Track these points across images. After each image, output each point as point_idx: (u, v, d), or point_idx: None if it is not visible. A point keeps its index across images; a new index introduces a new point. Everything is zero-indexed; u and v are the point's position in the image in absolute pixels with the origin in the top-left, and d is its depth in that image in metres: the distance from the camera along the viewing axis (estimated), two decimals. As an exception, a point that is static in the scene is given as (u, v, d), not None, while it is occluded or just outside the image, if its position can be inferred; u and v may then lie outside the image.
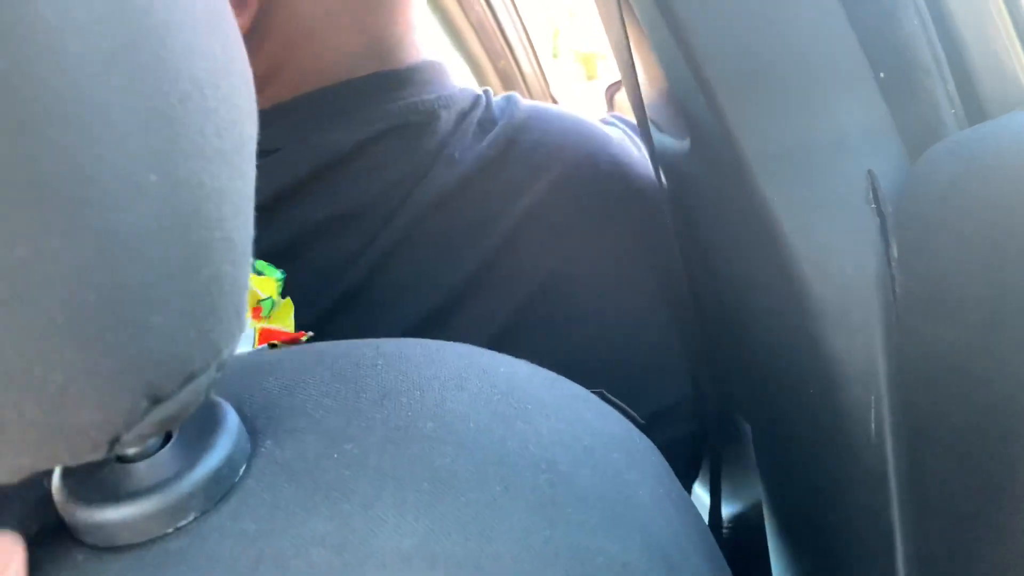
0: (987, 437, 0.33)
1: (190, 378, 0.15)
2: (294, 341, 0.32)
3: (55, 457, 0.15)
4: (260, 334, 0.33)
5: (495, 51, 1.18)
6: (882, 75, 0.33)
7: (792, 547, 0.52)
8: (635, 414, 0.33)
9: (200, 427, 0.22)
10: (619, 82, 1.36)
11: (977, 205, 0.32)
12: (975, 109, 0.34)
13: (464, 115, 0.48)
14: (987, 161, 0.32)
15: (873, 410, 0.37)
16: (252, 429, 0.23)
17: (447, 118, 0.48)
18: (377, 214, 0.45)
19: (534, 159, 0.47)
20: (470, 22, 1.11)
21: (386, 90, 0.48)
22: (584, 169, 0.48)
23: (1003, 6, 0.33)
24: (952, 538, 0.35)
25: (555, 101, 1.37)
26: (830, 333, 0.36)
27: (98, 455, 0.15)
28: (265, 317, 0.32)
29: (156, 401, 0.15)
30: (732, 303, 0.45)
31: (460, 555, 0.21)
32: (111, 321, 0.14)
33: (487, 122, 0.49)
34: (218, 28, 0.17)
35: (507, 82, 1.24)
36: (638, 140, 0.55)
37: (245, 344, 0.30)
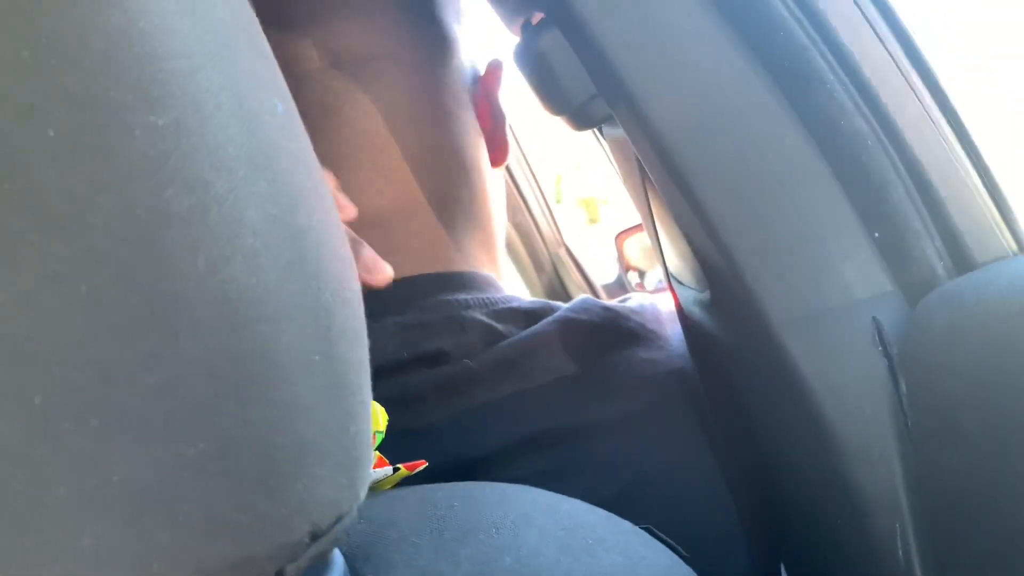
0: (1005, 558, 0.36)
1: (340, 518, 0.19)
2: (414, 468, 0.35)
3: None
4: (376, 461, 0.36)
5: (511, 206, 1.26)
6: (877, 235, 0.38)
7: None
8: (680, 549, 0.36)
9: (313, 566, 0.25)
10: (628, 230, 1.44)
11: (971, 345, 0.36)
12: (961, 261, 0.39)
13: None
14: (977, 306, 0.37)
15: (899, 538, 0.39)
16: (352, 567, 0.26)
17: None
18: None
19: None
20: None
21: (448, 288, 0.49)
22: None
23: (975, 174, 0.39)
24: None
25: (568, 249, 1.44)
26: (853, 467, 0.39)
27: (268, 585, 0.19)
28: (376, 449, 0.35)
29: (315, 538, 0.18)
30: (757, 448, 0.48)
31: None
32: (292, 472, 0.18)
33: None
34: (340, 231, 0.22)
35: (523, 234, 1.32)
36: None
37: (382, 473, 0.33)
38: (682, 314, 0.51)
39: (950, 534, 0.38)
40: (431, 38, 0.49)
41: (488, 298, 0.49)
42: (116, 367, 0.16)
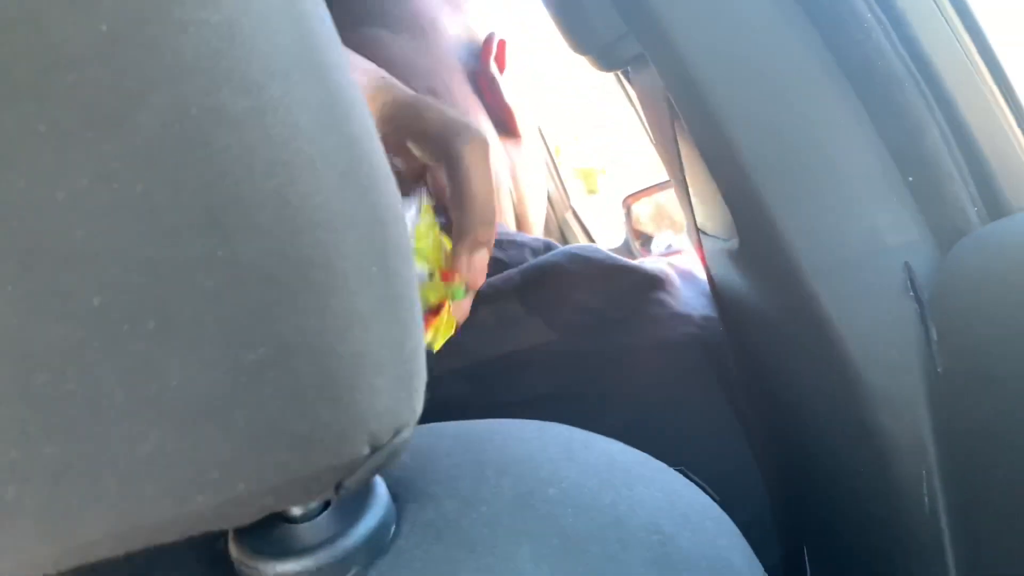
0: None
1: (398, 431, 0.19)
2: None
3: (292, 498, 0.18)
4: None
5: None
6: (911, 179, 0.37)
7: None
8: (712, 492, 0.36)
9: (357, 495, 0.25)
10: (637, 193, 1.43)
11: (1004, 291, 0.36)
12: (994, 206, 0.38)
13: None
14: (1010, 252, 0.36)
15: (925, 484, 0.39)
16: (395, 495, 0.26)
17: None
18: None
19: None
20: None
21: None
22: None
23: (1011, 117, 0.38)
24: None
25: (575, 212, 1.44)
26: (880, 414, 0.39)
27: (326, 496, 0.18)
28: None
29: (375, 450, 0.18)
30: (783, 396, 0.48)
31: (589, 603, 0.23)
32: (350, 382, 0.17)
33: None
34: (380, 147, 0.22)
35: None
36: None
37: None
38: (707, 265, 0.50)
39: (977, 481, 0.38)
40: (412, 18, 0.54)
41: None
42: (172, 269, 0.16)
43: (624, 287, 0.50)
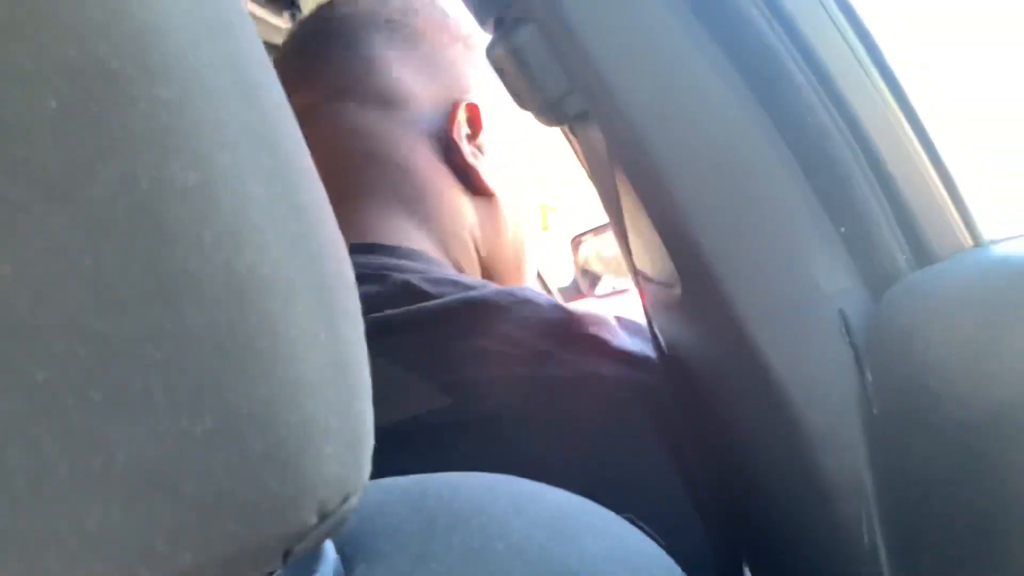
0: (968, 542, 0.37)
1: (347, 498, 0.19)
2: None
3: (239, 569, 0.18)
4: None
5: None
6: (843, 229, 0.39)
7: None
8: (658, 538, 0.36)
9: (304, 557, 0.24)
10: (584, 233, 1.45)
11: (933, 337, 0.38)
12: (922, 254, 0.40)
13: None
14: (938, 299, 0.38)
15: (864, 523, 0.41)
16: (343, 555, 0.26)
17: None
18: None
19: None
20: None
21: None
22: None
23: (932, 170, 0.40)
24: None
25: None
26: (820, 453, 0.40)
27: (274, 567, 0.18)
28: None
29: (323, 518, 0.18)
30: (727, 439, 0.49)
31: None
32: (299, 450, 0.17)
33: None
34: (331, 212, 0.22)
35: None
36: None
37: None
38: (648, 309, 0.51)
39: (913, 519, 0.39)
40: (385, 90, 0.59)
41: (427, 268, 0.54)
42: (120, 342, 0.16)
43: (556, 323, 0.51)
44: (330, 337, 0.19)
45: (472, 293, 0.50)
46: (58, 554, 0.16)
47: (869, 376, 0.39)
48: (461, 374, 0.47)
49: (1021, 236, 0.41)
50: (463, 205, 0.61)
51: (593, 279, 1.47)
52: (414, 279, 0.51)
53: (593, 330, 0.52)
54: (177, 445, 0.16)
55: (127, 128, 0.16)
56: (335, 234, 0.21)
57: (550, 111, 0.41)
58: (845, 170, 0.39)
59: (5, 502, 0.16)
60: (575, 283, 1.54)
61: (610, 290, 1.45)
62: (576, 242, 1.47)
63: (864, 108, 0.39)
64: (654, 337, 0.51)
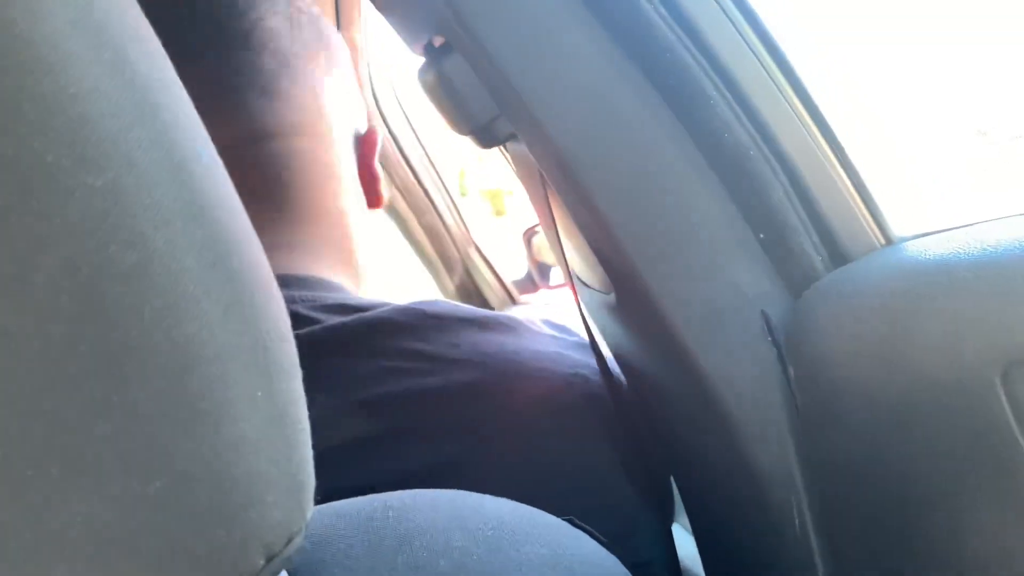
0: (887, 524, 0.40)
1: (290, 539, 0.20)
2: None
3: (195, 611, 0.20)
4: None
5: (419, 208, 1.27)
6: (761, 236, 0.41)
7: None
8: (600, 536, 0.38)
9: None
10: (535, 226, 1.47)
11: (848, 333, 0.40)
12: (836, 255, 0.43)
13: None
14: (852, 297, 0.41)
15: (795, 510, 0.43)
16: (299, 579, 0.27)
17: None
18: None
19: None
20: (395, 185, 1.20)
21: None
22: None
23: (844, 176, 0.43)
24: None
25: (478, 248, 1.47)
26: (751, 446, 0.43)
27: (226, 606, 0.20)
28: None
29: (270, 559, 0.20)
30: (665, 434, 0.51)
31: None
32: (244, 502, 0.19)
33: None
34: (268, 270, 0.24)
35: (432, 234, 1.34)
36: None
37: None
38: (583, 312, 0.54)
39: (838, 504, 0.42)
40: (313, 123, 0.59)
41: (319, 295, 0.53)
42: (71, 417, 0.18)
43: (462, 330, 0.51)
44: (267, 393, 0.20)
45: (371, 314, 0.50)
46: None
47: (792, 372, 0.42)
48: (359, 394, 0.48)
49: (930, 234, 0.44)
50: (360, 221, 0.63)
51: (546, 271, 1.49)
52: (302, 308, 0.51)
53: (497, 334, 0.52)
54: (131, 507, 0.18)
55: (65, 217, 0.18)
56: (270, 290, 0.23)
57: (482, 134, 0.43)
58: (761, 180, 0.41)
59: None
60: (528, 275, 1.56)
61: (560, 282, 1.47)
62: (529, 234, 1.49)
63: (778, 122, 0.42)
64: (592, 339, 0.53)
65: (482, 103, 0.41)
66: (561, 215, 0.47)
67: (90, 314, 0.18)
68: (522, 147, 0.44)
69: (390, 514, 0.31)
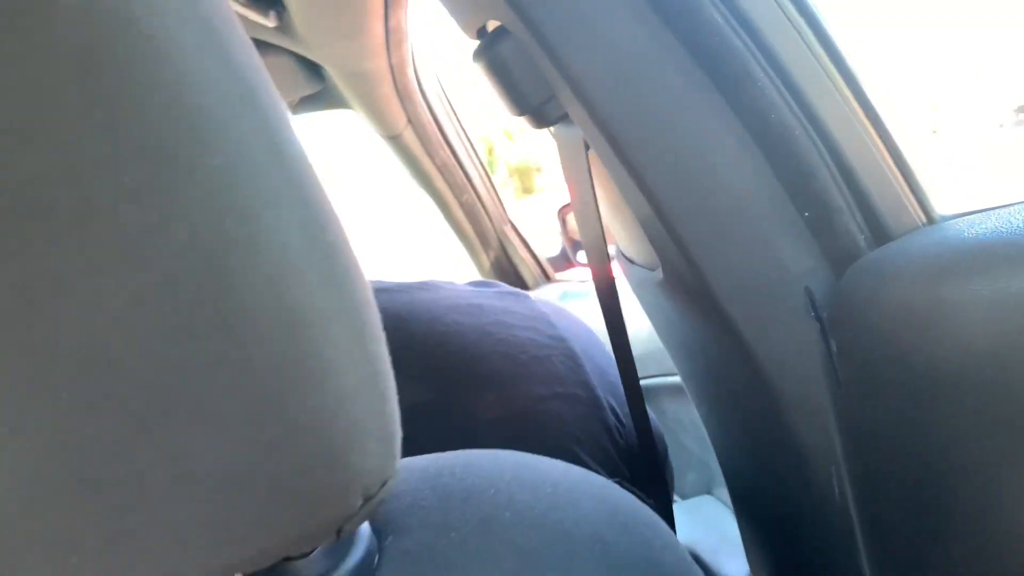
0: (926, 495, 0.42)
1: (384, 482, 0.23)
2: None
3: (301, 544, 0.22)
4: None
5: (458, 186, 1.29)
6: (807, 214, 0.43)
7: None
8: (646, 497, 0.40)
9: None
10: (571, 203, 1.48)
11: (889, 309, 0.42)
12: (880, 234, 0.44)
13: None
14: (893, 274, 0.42)
15: (835, 478, 0.45)
16: (375, 529, 0.30)
17: None
18: None
19: None
20: (435, 164, 1.22)
21: None
22: None
23: (888, 156, 0.44)
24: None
25: (513, 225, 1.48)
26: (793, 418, 0.45)
27: (328, 541, 0.22)
28: None
29: (367, 500, 0.22)
30: (712, 410, 0.53)
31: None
32: (346, 448, 0.21)
33: None
34: (352, 246, 0.26)
35: (469, 213, 1.36)
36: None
37: None
38: (633, 290, 0.55)
39: (878, 475, 0.44)
40: None
41: None
42: (197, 370, 0.20)
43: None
44: (362, 353, 0.22)
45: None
46: (159, 544, 0.20)
47: (834, 347, 0.43)
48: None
49: (972, 213, 0.45)
50: None
51: (580, 248, 1.51)
52: None
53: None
54: (250, 451, 0.20)
55: (189, 195, 0.20)
56: (356, 263, 0.25)
57: (536, 115, 0.45)
58: (807, 160, 0.43)
59: (116, 502, 0.20)
60: (563, 252, 1.57)
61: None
62: (564, 212, 1.50)
63: (823, 103, 0.43)
64: (609, 312, 0.54)
65: (535, 85, 0.43)
66: (608, 194, 0.49)
67: (211, 280, 0.20)
68: (570, 129, 0.45)
69: (456, 471, 0.33)
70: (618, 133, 0.41)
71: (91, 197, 0.19)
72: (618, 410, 0.54)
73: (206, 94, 0.20)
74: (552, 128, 0.47)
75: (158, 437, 0.20)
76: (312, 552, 0.28)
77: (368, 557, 0.28)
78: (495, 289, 0.58)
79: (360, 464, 0.22)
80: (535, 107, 0.44)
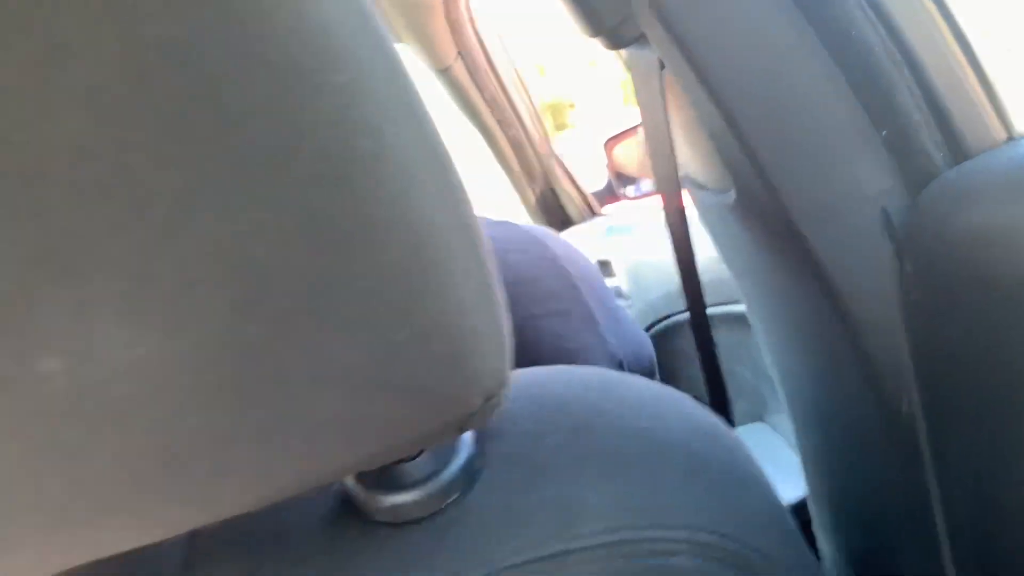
0: (992, 416, 0.42)
1: (502, 384, 0.24)
2: None
3: (429, 441, 0.23)
4: None
5: (506, 121, 1.29)
6: (884, 133, 0.43)
7: (838, 528, 0.60)
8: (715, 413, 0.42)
9: (446, 435, 0.30)
10: (616, 136, 1.47)
11: (966, 228, 0.42)
12: (958, 151, 0.44)
13: None
14: (971, 193, 0.42)
15: (904, 399, 0.46)
16: (476, 435, 0.31)
17: None
18: None
19: None
20: (484, 98, 1.22)
21: None
22: None
23: (970, 71, 0.43)
24: (974, 501, 0.43)
25: (558, 159, 1.48)
26: (865, 338, 0.45)
27: (453, 436, 0.24)
28: None
29: (487, 400, 0.23)
30: (784, 334, 0.54)
31: (639, 507, 0.29)
32: (470, 351, 0.23)
33: None
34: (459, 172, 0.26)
35: (516, 146, 1.36)
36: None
37: None
38: (699, 214, 0.56)
39: (946, 390, 0.44)
40: None
41: None
42: (336, 277, 0.21)
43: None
44: (477, 266, 0.23)
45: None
46: (300, 437, 0.22)
47: (908, 267, 0.44)
48: None
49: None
50: None
51: (627, 181, 1.50)
52: None
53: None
54: (383, 351, 0.21)
55: (316, 112, 0.21)
56: (463, 183, 0.26)
57: (611, 36, 0.45)
58: (887, 78, 0.42)
59: (263, 399, 0.21)
60: (608, 186, 1.56)
61: (642, 192, 1.48)
62: (610, 144, 1.49)
63: (904, 18, 0.42)
64: (678, 239, 0.54)
65: (613, 4, 0.43)
66: (682, 118, 0.49)
67: (341, 194, 0.21)
68: (644, 51, 0.45)
69: (544, 382, 0.34)
70: (697, 52, 0.41)
71: (228, 114, 0.20)
72: (611, 326, 0.55)
73: (330, 13, 0.21)
74: (624, 52, 0.47)
75: (297, 339, 0.21)
76: (419, 455, 0.29)
77: (472, 460, 0.30)
78: (486, 220, 0.59)
79: (480, 367, 0.23)
80: (611, 28, 0.44)
